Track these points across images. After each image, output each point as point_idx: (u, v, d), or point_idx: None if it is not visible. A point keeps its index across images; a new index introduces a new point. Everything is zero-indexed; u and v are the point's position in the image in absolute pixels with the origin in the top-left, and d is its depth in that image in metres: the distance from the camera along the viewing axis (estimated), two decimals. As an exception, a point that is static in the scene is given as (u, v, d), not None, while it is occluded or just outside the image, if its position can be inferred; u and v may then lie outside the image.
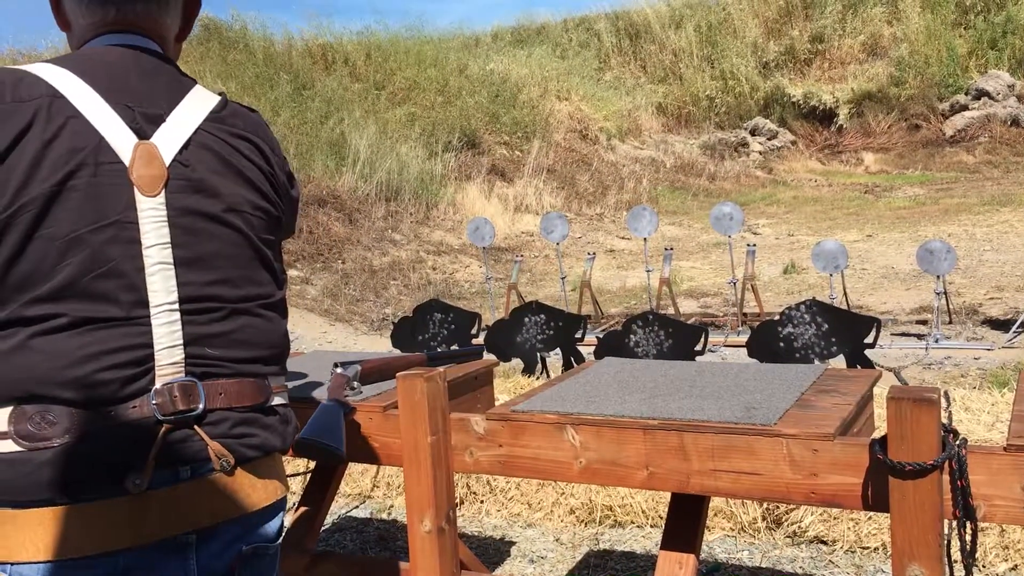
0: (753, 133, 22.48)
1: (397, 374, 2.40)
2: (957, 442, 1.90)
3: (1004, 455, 1.86)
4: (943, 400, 3.52)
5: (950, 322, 6.81)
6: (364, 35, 17.08)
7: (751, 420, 2.10)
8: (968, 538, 1.94)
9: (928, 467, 1.85)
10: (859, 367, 4.36)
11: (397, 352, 5.62)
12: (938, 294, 6.17)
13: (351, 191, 11.04)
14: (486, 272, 7.84)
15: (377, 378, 2.70)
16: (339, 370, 2.60)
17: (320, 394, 2.57)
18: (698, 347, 4.47)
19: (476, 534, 3.88)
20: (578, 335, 5.03)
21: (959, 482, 1.89)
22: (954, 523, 1.94)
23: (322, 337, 7.74)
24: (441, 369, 2.41)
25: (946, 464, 1.90)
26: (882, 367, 5.78)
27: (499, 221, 12.47)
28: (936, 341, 6.12)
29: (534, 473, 2.35)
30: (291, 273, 8.89)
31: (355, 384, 2.61)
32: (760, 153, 21.86)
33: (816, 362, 4.42)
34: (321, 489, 2.88)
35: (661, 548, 2.39)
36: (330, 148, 11.72)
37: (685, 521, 2.39)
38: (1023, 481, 1.85)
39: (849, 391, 2.33)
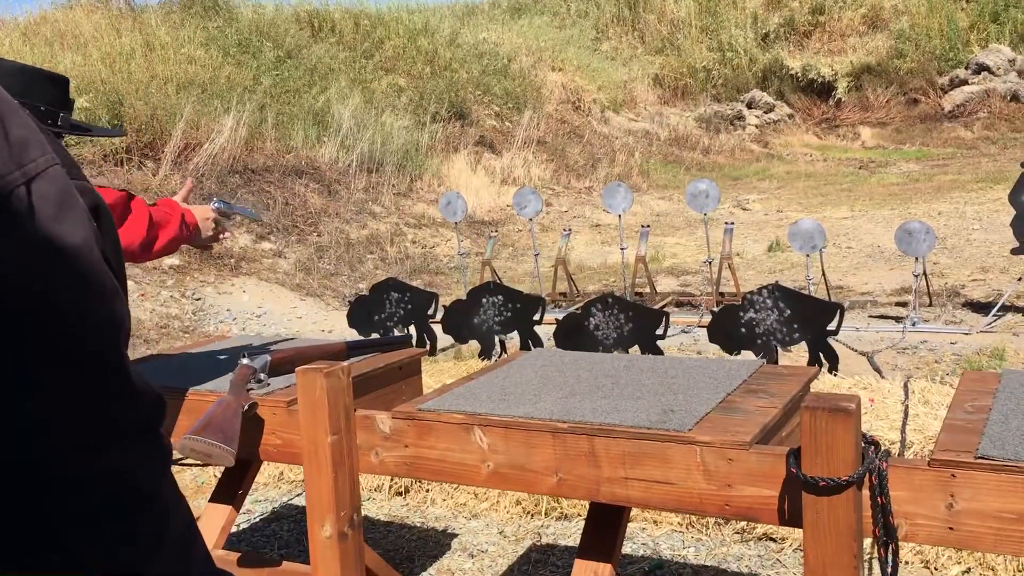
0: (750, 106, 22.19)
1: (297, 368, 2.25)
2: (878, 455, 1.75)
3: (927, 471, 1.71)
4: (903, 392, 3.33)
5: (930, 304, 6.65)
6: (355, 2, 16.80)
7: (665, 425, 1.95)
8: (890, 559, 1.80)
9: (843, 483, 1.70)
10: (821, 354, 4.21)
11: (354, 333, 5.49)
12: (916, 276, 6.00)
13: (331, 162, 10.82)
14: (459, 247, 7.67)
15: (289, 369, 2.54)
16: (245, 361, 2.45)
17: (224, 386, 2.41)
18: (659, 331, 4.31)
19: (419, 525, 3.75)
20: (536, 317, 4.89)
21: (879, 499, 1.74)
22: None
23: (291, 312, 7.59)
24: (344, 363, 2.26)
25: (867, 479, 1.76)
26: (856, 350, 5.64)
27: (484, 194, 12.28)
28: (913, 324, 5.97)
29: (441, 476, 2.21)
30: (264, 246, 8.72)
31: (262, 376, 2.46)
32: (756, 126, 21.59)
33: (778, 349, 4.28)
34: (234, 483, 2.73)
35: (577, 556, 2.25)
36: (312, 117, 11.50)
37: (603, 530, 2.25)
38: (948, 499, 1.70)
39: (778, 392, 2.18)
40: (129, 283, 7.11)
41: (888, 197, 13.15)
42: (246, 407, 2.30)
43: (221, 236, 2.72)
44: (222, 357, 2.79)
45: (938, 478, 1.70)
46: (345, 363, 2.45)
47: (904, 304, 6.70)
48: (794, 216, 11.24)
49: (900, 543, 1.76)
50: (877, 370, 5.20)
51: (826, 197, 13.64)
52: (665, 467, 1.92)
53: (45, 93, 1.99)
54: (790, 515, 1.82)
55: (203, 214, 2.56)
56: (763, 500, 1.84)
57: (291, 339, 3.13)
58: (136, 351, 6.53)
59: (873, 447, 1.76)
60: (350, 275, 8.59)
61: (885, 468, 1.73)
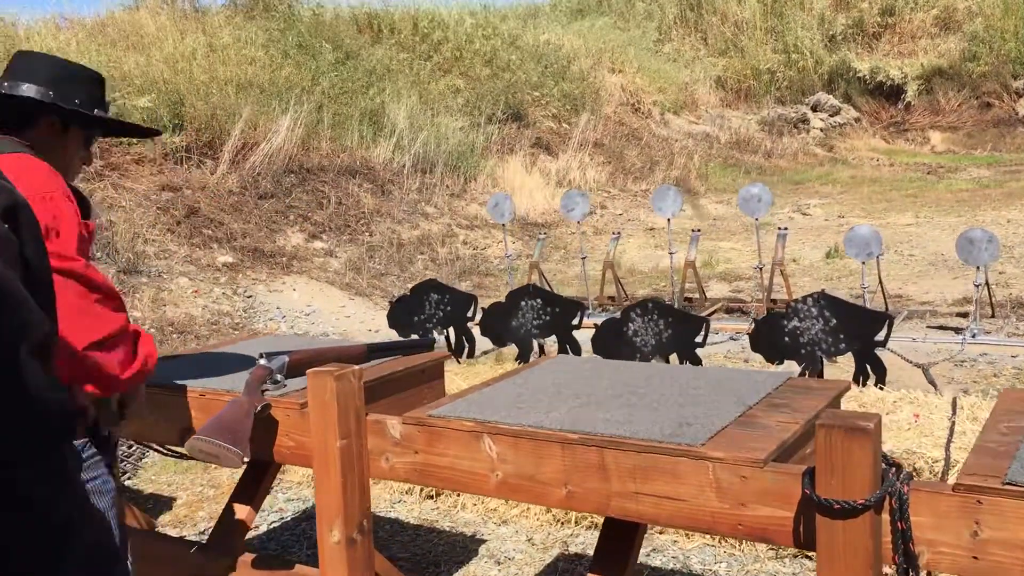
0: (815, 109, 21.73)
1: (308, 370, 2.22)
2: (900, 478, 1.65)
3: (952, 496, 1.61)
4: (951, 408, 3.18)
5: (992, 316, 6.40)
6: (416, 3, 16.84)
7: (677, 439, 1.87)
8: (910, 587, 1.69)
9: (859, 507, 1.61)
10: (869, 366, 4.06)
11: (395, 333, 5.47)
12: (977, 286, 5.78)
13: (386, 162, 10.86)
14: (506, 249, 7.63)
15: (307, 370, 2.52)
16: (262, 362, 2.43)
17: (242, 386, 2.39)
18: (699, 339, 4.20)
19: (448, 529, 3.71)
20: (575, 322, 4.81)
21: (899, 524, 1.64)
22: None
23: (340, 312, 7.62)
24: (355, 367, 2.22)
25: (887, 502, 1.66)
26: (911, 362, 5.44)
27: (538, 195, 12.22)
28: (973, 336, 5.75)
29: (450, 484, 2.16)
30: (316, 245, 8.79)
31: (278, 377, 2.44)
32: (821, 130, 21.14)
33: (824, 360, 4.14)
34: (254, 483, 2.72)
35: (589, 571, 2.18)
36: (368, 118, 11.56)
37: (616, 546, 2.18)
38: (973, 527, 1.60)
39: (802, 407, 2.08)
40: (183, 280, 7.09)
41: (956, 203, 12.75)
42: (258, 408, 2.28)
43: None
44: (245, 356, 2.78)
45: (963, 504, 1.60)
46: (363, 366, 2.42)
47: (965, 315, 6.47)
48: (856, 222, 10.97)
49: (921, 571, 1.66)
50: (932, 383, 5.01)
51: (891, 203, 13.28)
52: (676, 483, 1.85)
53: (81, 90, 1.99)
54: (805, 538, 1.73)
55: None
56: (778, 521, 1.76)
57: (313, 339, 3.12)
58: (187, 346, 6.62)
59: (895, 469, 1.66)
60: (399, 275, 8.60)
61: (906, 492, 1.64)
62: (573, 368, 2.48)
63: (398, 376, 2.59)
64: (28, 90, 1.90)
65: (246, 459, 2.16)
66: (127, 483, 4.26)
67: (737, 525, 1.80)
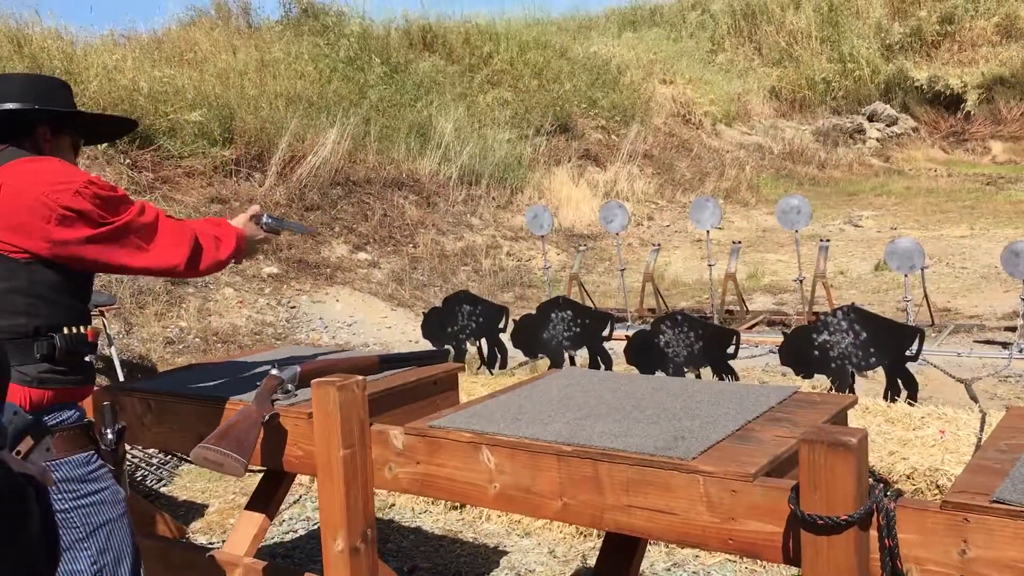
0: (871, 119, 21.38)
1: (312, 380, 2.26)
2: (887, 495, 1.63)
3: (939, 513, 1.58)
4: (979, 425, 3.12)
5: (1042, 330, 6.23)
6: (468, 18, 16.96)
7: (670, 452, 1.86)
8: (899, 606, 1.67)
9: (842, 522, 1.59)
10: (900, 381, 3.98)
11: (428, 343, 5.52)
12: (1024, 300, 5.64)
13: (432, 174, 10.96)
14: (544, 261, 7.64)
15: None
16: (274, 372, 2.48)
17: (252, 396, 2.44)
18: (730, 351, 4.17)
19: (472, 540, 3.73)
20: (605, 333, 4.79)
21: (887, 541, 1.62)
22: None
23: (381, 323, 7.70)
24: (359, 377, 2.25)
25: (875, 519, 1.63)
26: (953, 377, 5.33)
27: (584, 207, 12.21)
28: (1020, 351, 5.60)
29: (450, 495, 2.17)
30: (360, 256, 8.89)
31: (289, 387, 2.48)
32: (877, 140, 20.78)
33: (854, 374, 4.06)
34: (270, 492, 2.77)
35: (589, 584, 2.18)
36: (415, 131, 11.67)
37: (616, 560, 2.17)
38: (961, 545, 1.57)
39: (802, 422, 2.06)
40: (229, 290, 7.22)
41: (1015, 215, 12.44)
42: (266, 418, 2.32)
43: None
44: (262, 367, 2.83)
45: (951, 521, 1.57)
46: (376, 376, 2.45)
47: (1014, 329, 6.31)
48: (908, 234, 10.77)
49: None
50: (974, 398, 4.89)
51: (946, 214, 13.00)
52: (668, 496, 1.84)
53: (60, 97, 2.08)
54: (795, 554, 1.72)
55: (252, 232, 2.47)
56: (767, 536, 1.74)
57: (336, 351, 3.16)
58: (230, 356, 6.73)
59: (881, 485, 1.64)
60: (443, 286, 8.66)
61: (893, 508, 1.61)
62: (580, 381, 2.48)
63: (410, 387, 2.62)
64: (14, 106, 1.99)
65: (249, 468, 2.20)
66: (162, 490, 4.35)
67: (728, 540, 1.79)
